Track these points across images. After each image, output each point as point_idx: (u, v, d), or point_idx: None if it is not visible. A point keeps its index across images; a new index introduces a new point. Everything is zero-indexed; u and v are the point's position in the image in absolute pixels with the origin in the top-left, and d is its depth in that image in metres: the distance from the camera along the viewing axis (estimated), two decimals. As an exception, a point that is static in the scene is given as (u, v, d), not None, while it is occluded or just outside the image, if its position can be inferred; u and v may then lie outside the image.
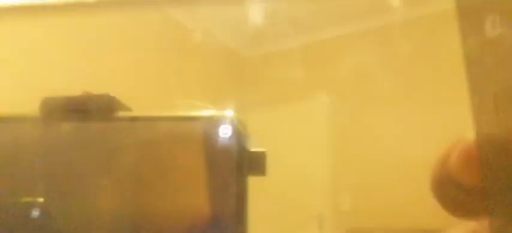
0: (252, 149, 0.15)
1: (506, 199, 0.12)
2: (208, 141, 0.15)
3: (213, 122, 0.15)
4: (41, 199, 0.15)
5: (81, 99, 0.15)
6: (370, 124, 1.63)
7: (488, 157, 0.12)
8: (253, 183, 0.15)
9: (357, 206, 1.55)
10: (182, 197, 0.15)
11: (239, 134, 0.15)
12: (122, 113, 0.15)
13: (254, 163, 0.15)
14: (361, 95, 1.65)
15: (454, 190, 0.13)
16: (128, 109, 0.15)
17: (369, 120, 1.64)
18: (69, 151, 0.15)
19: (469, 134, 0.12)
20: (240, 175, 0.15)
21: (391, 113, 1.58)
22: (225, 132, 0.15)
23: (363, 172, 1.60)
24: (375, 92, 1.58)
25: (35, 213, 0.15)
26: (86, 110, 0.15)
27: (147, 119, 0.15)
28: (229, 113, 0.15)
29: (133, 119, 0.15)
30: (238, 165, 0.15)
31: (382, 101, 1.57)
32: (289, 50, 1.73)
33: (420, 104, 1.55)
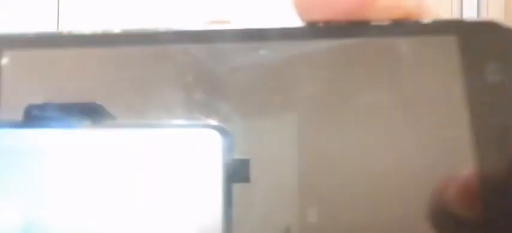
0: (236, 157, 0.15)
1: None
2: (194, 149, 0.15)
3: (199, 130, 0.15)
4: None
5: (68, 107, 0.15)
6: (342, 138, 1.63)
7: (489, 193, 0.13)
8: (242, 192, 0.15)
9: (324, 219, 1.54)
10: (167, 207, 0.15)
11: (224, 142, 0.15)
12: (108, 122, 0.15)
13: (238, 171, 0.15)
14: (333, 107, 1.65)
15: (452, 224, 0.13)
16: (114, 117, 0.16)
17: (340, 134, 1.64)
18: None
19: (468, 168, 0.13)
20: (225, 183, 0.15)
21: (364, 129, 1.58)
22: (210, 140, 0.15)
23: (332, 186, 1.60)
24: (348, 105, 1.58)
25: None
26: (73, 118, 0.15)
27: (133, 127, 0.15)
28: (214, 121, 0.15)
29: (120, 126, 0.15)
30: (223, 173, 0.15)
31: (355, 116, 1.57)
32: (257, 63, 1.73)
33: (394, 120, 1.55)
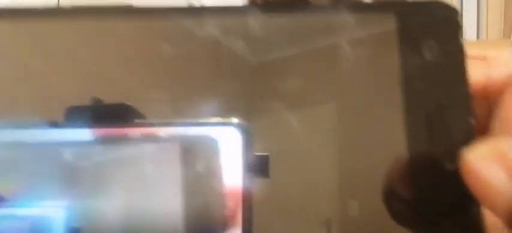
0: (257, 153, 0.16)
1: (431, 215, 0.13)
2: (214, 147, 0.16)
3: (220, 128, 0.16)
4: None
5: (105, 109, 0.16)
6: (379, 128, 1.61)
7: (418, 173, 0.14)
8: (262, 187, 0.16)
9: (365, 212, 1.53)
10: (187, 203, 0.16)
11: (245, 139, 0.16)
12: (138, 121, 0.16)
13: (259, 167, 0.16)
14: (368, 99, 1.62)
15: (397, 202, 0.15)
16: (143, 117, 0.17)
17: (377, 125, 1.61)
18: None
19: (404, 148, 0.14)
20: (246, 180, 0.16)
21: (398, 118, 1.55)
22: (231, 137, 0.16)
23: (371, 177, 1.58)
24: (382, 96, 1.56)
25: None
26: (107, 120, 0.16)
27: (159, 125, 0.16)
28: (235, 118, 0.16)
29: (148, 124, 0.16)
30: (244, 170, 0.16)
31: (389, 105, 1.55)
32: (291, 58, 1.72)
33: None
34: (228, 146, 0.16)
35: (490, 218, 0.12)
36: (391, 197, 0.14)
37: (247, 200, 0.16)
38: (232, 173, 0.16)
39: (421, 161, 0.14)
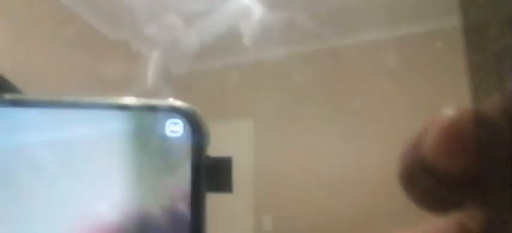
0: (213, 155, 0.11)
1: (503, 184, 0.09)
2: (150, 138, 0.10)
3: (159, 114, 0.10)
4: None
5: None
6: (295, 145, 1.63)
7: (484, 133, 0.09)
8: None
9: (279, 227, 1.54)
10: (113, 211, 0.10)
11: (196, 132, 0.10)
12: (13, 95, 0.09)
13: (216, 174, 0.11)
14: (286, 115, 1.64)
15: (428, 179, 0.10)
16: (19, 91, 0.10)
17: (293, 141, 1.63)
18: None
19: (448, 109, 0.10)
20: (197, 186, 0.10)
21: (316, 135, 1.59)
22: (176, 127, 0.10)
23: (286, 193, 1.59)
24: (300, 113, 1.60)
25: None
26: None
27: (57, 105, 0.10)
28: (183, 103, 0.11)
29: (38, 104, 0.09)
30: (194, 173, 0.10)
31: (307, 122, 1.60)
32: (217, 70, 1.69)
33: (346, 125, 1.57)
34: (174, 138, 0.10)
35: None
36: (420, 174, 0.10)
37: (201, 211, 0.10)
38: (181, 177, 0.10)
39: (483, 119, 0.09)
